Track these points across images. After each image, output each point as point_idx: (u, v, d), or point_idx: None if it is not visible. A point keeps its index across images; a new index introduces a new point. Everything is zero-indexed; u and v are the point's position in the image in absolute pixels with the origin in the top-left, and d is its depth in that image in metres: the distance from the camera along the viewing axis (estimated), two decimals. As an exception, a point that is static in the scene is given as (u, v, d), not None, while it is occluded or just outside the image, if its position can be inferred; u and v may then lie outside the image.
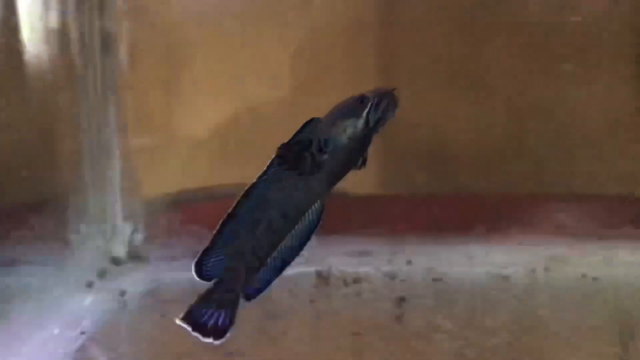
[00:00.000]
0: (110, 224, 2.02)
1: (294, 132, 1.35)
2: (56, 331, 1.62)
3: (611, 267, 1.81)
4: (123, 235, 2.02)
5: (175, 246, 2.00)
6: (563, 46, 1.96)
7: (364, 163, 1.23)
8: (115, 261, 1.99)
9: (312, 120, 1.23)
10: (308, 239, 1.23)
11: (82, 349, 1.55)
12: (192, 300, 1.77)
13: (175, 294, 1.83)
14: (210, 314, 1.25)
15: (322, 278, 1.89)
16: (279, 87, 2.06)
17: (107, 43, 2.01)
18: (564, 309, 1.65)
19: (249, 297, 1.24)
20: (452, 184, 2.08)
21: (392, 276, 1.85)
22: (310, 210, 1.22)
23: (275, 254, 1.23)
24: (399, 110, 1.19)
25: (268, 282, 1.24)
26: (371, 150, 1.24)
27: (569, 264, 1.85)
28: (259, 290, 1.24)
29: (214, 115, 2.08)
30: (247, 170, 2.11)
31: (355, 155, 1.23)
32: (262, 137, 2.07)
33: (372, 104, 1.19)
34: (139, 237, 2.03)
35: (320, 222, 1.22)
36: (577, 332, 1.53)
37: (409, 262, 1.89)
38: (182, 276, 1.91)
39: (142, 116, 2.09)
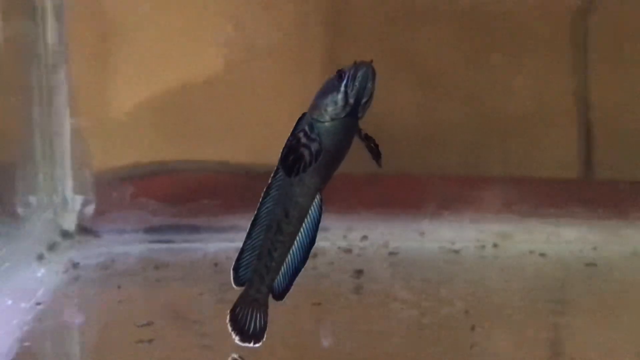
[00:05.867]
0: (61, 196, 1.98)
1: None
2: (9, 302, 1.58)
3: (556, 244, 1.89)
4: (73, 208, 1.99)
5: (125, 220, 1.99)
6: (497, 33, 2.02)
7: (378, 158, 1.24)
8: (65, 234, 1.96)
9: (302, 115, 1.24)
10: (315, 233, 1.26)
11: (36, 319, 1.52)
12: (144, 272, 1.81)
13: (128, 266, 1.82)
14: (247, 317, 1.29)
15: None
16: (226, 64, 2.05)
17: (59, 12, 1.97)
18: (514, 281, 1.71)
19: (277, 297, 1.29)
20: (395, 165, 2.12)
21: (348, 250, 1.87)
22: (312, 206, 1.25)
23: (291, 252, 1.27)
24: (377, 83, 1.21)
25: (291, 280, 1.28)
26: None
27: (515, 240, 1.92)
28: (285, 288, 1.28)
29: (165, 89, 2.06)
30: (197, 146, 2.16)
31: (342, 140, 1.22)
32: (212, 113, 2.08)
33: (348, 76, 1.20)
34: (90, 210, 2.00)
35: (322, 215, 1.25)
36: (526, 302, 1.59)
37: (364, 238, 1.92)
38: (134, 249, 1.92)
39: (92, 87, 2.05)
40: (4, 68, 1.88)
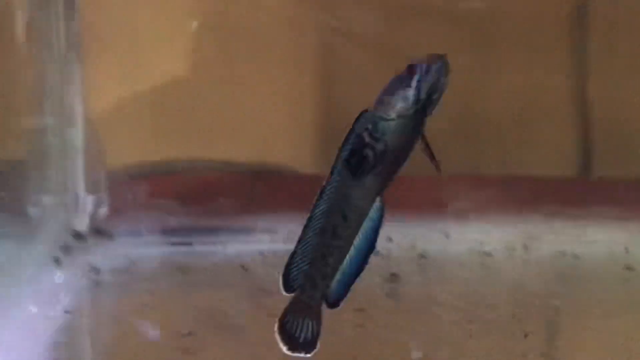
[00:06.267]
0: (73, 196, 1.89)
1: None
2: (34, 310, 1.50)
3: (585, 245, 1.86)
4: (85, 208, 1.90)
5: (140, 221, 1.90)
6: (489, 32, 1.99)
7: (437, 167, 1.17)
8: (78, 236, 1.87)
9: (361, 113, 1.17)
10: (375, 238, 1.19)
11: (68, 328, 1.44)
12: (169, 276, 1.73)
13: (152, 270, 1.73)
14: (298, 325, 1.21)
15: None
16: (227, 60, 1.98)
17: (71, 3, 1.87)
18: (553, 283, 1.68)
19: (331, 305, 1.21)
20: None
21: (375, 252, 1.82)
22: (372, 209, 1.18)
23: (348, 257, 1.19)
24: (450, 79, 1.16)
25: (347, 287, 1.20)
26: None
27: (543, 241, 1.89)
28: (340, 296, 1.20)
29: (178, 87, 1.99)
30: (213, 146, 2.09)
31: (407, 140, 1.15)
32: (226, 113, 2.02)
33: (421, 70, 1.14)
34: (103, 210, 1.91)
35: (383, 219, 1.18)
36: (572, 306, 1.56)
37: (389, 240, 1.87)
38: (153, 252, 1.84)
39: (107, 82, 1.96)
40: (17, 57, 1.78)
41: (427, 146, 1.18)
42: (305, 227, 1.20)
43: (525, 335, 1.41)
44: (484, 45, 1.99)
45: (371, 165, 1.15)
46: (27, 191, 1.80)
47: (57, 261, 1.72)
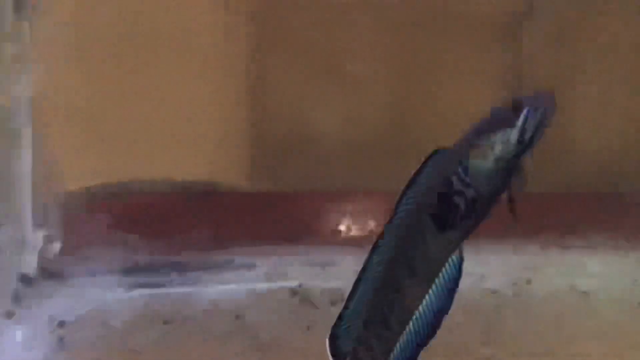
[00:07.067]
0: (18, 232, 1.59)
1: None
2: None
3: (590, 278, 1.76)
4: (34, 245, 1.61)
5: (100, 259, 1.63)
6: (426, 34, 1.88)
7: (515, 218, 1.00)
8: (26, 280, 1.57)
9: (436, 151, 0.99)
10: (451, 300, 1.00)
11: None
12: (151, 327, 1.48)
13: (129, 321, 1.47)
14: None
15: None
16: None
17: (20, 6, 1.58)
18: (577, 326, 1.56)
19: None
20: (324, 180, 1.91)
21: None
22: (447, 264, 1.00)
23: (413, 321, 1.00)
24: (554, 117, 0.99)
25: (414, 355, 1.01)
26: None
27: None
28: None
29: (137, 100, 1.74)
30: (176, 164, 1.85)
31: (500, 185, 0.98)
32: (190, 129, 1.79)
33: (529, 110, 0.97)
34: (54, 247, 1.62)
35: (461, 276, 1.00)
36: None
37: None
38: (122, 297, 1.57)
39: (55, 98, 1.68)
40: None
41: (511, 193, 1.01)
42: (357, 281, 1.00)
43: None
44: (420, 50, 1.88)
45: (461, 215, 0.98)
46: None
47: (9, 315, 1.43)
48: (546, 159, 1.90)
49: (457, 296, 1.62)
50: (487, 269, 1.77)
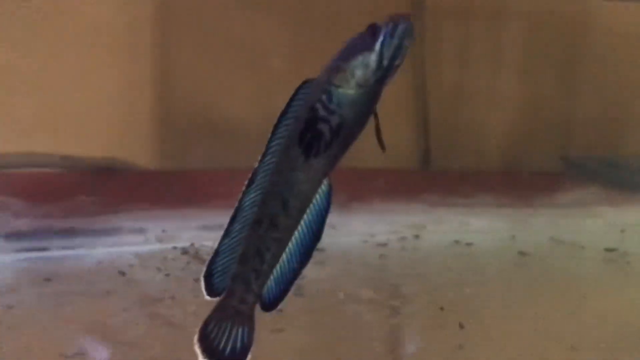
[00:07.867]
0: None
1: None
2: None
3: (474, 234, 1.82)
4: None
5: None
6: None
7: (382, 145, 0.99)
8: None
9: (304, 82, 0.99)
10: (321, 228, 1.00)
11: None
12: (34, 286, 1.43)
13: (9, 281, 1.42)
14: (225, 334, 1.00)
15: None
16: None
17: None
18: (466, 272, 1.60)
19: (266, 307, 1.01)
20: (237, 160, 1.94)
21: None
22: (317, 195, 1.00)
23: (286, 252, 1.00)
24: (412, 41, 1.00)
25: (285, 287, 1.01)
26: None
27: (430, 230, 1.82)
28: (277, 298, 1.01)
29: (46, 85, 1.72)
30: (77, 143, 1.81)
31: (363, 113, 0.98)
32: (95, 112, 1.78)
33: (386, 32, 0.97)
34: None
35: (330, 204, 0.99)
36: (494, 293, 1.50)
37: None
38: (3, 260, 1.52)
39: None
40: None
41: (377, 121, 1.01)
42: (232, 219, 1.00)
43: (461, 327, 1.31)
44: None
45: (327, 142, 0.98)
46: None
47: None
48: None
49: (344, 249, 1.68)
50: (378, 228, 1.82)
